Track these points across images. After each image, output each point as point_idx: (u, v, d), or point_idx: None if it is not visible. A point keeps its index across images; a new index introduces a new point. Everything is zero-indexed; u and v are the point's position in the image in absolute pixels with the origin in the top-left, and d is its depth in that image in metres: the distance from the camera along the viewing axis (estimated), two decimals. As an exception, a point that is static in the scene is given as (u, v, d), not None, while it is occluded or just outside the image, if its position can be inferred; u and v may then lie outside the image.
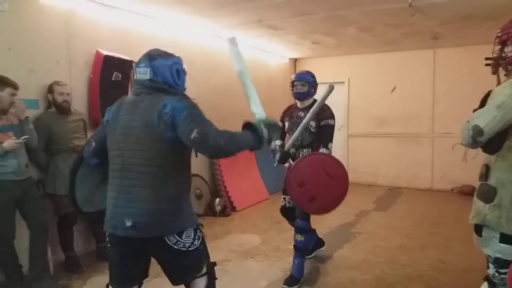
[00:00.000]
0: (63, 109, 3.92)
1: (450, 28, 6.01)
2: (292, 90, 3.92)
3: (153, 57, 2.08)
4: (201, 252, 2.18)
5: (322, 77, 8.72)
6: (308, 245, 3.93)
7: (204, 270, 2.23)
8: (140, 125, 1.96)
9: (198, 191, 6.10)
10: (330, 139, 3.81)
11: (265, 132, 2.05)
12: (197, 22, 5.56)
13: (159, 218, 1.98)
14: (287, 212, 4.05)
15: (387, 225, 5.56)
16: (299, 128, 3.60)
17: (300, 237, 3.70)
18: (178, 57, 2.17)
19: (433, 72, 7.80)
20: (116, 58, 4.55)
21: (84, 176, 2.30)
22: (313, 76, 3.94)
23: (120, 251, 2.10)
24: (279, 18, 5.44)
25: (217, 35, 6.43)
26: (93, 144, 2.19)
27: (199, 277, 2.20)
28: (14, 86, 3.40)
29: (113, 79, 4.51)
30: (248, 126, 2.06)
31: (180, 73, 2.12)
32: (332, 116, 3.81)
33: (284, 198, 4.07)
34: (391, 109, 8.19)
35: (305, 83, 3.85)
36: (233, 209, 6.38)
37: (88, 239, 4.41)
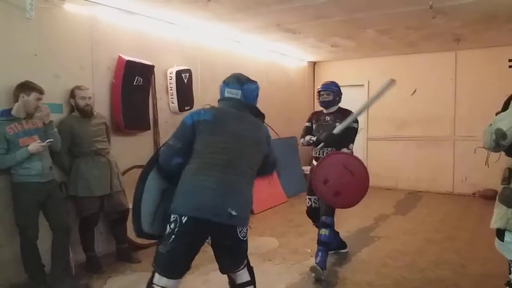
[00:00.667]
0: (85, 113, 4.01)
1: (472, 29, 5.92)
2: (319, 99, 4.32)
3: (243, 81, 2.57)
4: (247, 244, 2.53)
5: (341, 80, 8.66)
6: (332, 240, 4.08)
7: (246, 261, 2.57)
8: (252, 137, 2.47)
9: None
10: (352, 140, 4.13)
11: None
12: (217, 27, 5.63)
13: (248, 210, 2.44)
14: (313, 213, 4.28)
15: (407, 229, 5.50)
16: (343, 124, 3.97)
17: (324, 231, 3.92)
18: (257, 83, 2.65)
19: (454, 75, 7.68)
20: (138, 63, 4.64)
21: (151, 183, 2.54)
22: (337, 86, 4.34)
23: (191, 239, 2.32)
24: (298, 22, 5.45)
25: (236, 40, 6.49)
26: (179, 144, 2.45)
27: (242, 268, 2.54)
28: (40, 91, 3.51)
29: (134, 83, 4.60)
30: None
31: (257, 97, 2.65)
32: (356, 120, 4.09)
33: (310, 199, 4.29)
34: (411, 112, 8.10)
35: (330, 93, 4.25)
36: (251, 212, 6.39)
37: (109, 240, 4.49)
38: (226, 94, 2.54)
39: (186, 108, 5.36)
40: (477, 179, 7.31)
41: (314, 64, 9.22)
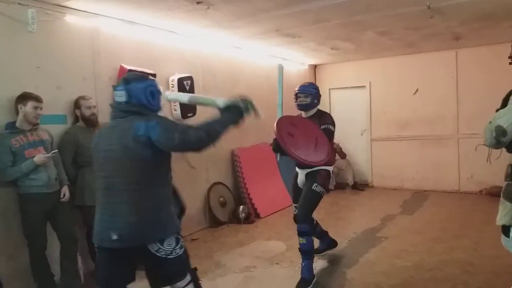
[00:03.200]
0: (91, 122, 4.04)
1: (470, 28, 5.93)
2: (296, 101, 4.11)
3: (129, 80, 2.25)
4: (184, 260, 2.36)
5: (342, 82, 8.85)
6: (311, 247, 3.87)
7: (189, 278, 2.38)
8: (119, 149, 2.16)
9: (221, 199, 6.16)
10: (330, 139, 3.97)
11: (241, 103, 2.30)
12: (217, 34, 5.66)
13: (140, 229, 2.17)
14: None
15: (414, 229, 5.48)
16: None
17: (302, 240, 3.79)
18: (153, 80, 2.35)
19: (455, 73, 7.69)
20: (140, 72, 4.67)
21: None
22: (316, 88, 4.12)
23: (107, 258, 2.29)
24: (297, 26, 5.48)
25: (237, 46, 6.52)
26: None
27: (185, 286, 2.36)
28: (36, 99, 3.53)
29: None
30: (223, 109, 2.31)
31: (154, 94, 2.27)
32: (333, 123, 4.01)
33: (296, 207, 4.13)
34: (414, 111, 8.10)
35: (308, 95, 4.01)
36: (257, 216, 6.41)
37: (117, 249, 4.50)
38: (115, 99, 2.26)
39: (189, 115, 5.39)
40: (483, 177, 7.28)
41: (315, 67, 9.25)
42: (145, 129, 2.11)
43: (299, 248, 3.87)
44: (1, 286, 3.35)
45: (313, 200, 3.85)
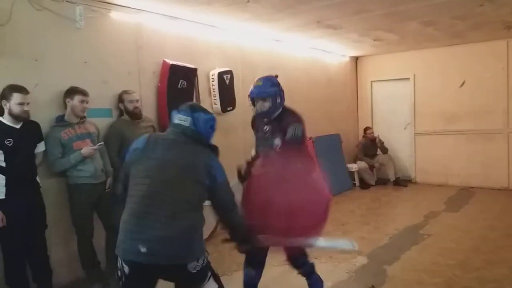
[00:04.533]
0: (135, 115, 4.16)
1: (524, 16, 5.61)
2: (253, 109, 3.10)
3: (195, 109, 2.37)
4: (208, 266, 2.30)
5: (385, 74, 8.64)
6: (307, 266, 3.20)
7: (209, 274, 2.32)
8: (182, 163, 2.19)
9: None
10: (300, 152, 3.01)
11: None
12: (257, 27, 5.66)
13: (174, 247, 2.06)
14: None
15: (459, 226, 5.29)
16: None
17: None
18: (214, 116, 2.43)
19: (507, 64, 7.30)
20: (182, 67, 4.76)
21: None
22: (274, 83, 3.04)
23: (128, 274, 2.17)
24: (338, 17, 5.39)
25: (276, 39, 6.50)
26: (120, 185, 2.32)
27: (207, 281, 2.30)
28: (83, 93, 3.67)
29: (179, 86, 4.73)
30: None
31: (213, 130, 2.39)
32: (299, 122, 3.02)
33: None
34: (460, 105, 7.77)
35: (266, 98, 2.97)
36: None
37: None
38: (175, 121, 2.33)
39: (229, 108, 5.45)
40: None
41: (356, 59, 9.07)
42: (217, 166, 2.26)
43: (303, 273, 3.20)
44: (51, 271, 3.53)
45: None
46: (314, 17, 5.28)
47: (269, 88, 2.99)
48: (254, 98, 3.04)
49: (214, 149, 2.34)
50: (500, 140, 7.44)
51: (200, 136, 2.30)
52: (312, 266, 3.16)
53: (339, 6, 4.79)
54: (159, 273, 2.17)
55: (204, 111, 2.39)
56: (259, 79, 3.07)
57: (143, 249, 2.01)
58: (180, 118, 2.31)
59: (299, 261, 3.10)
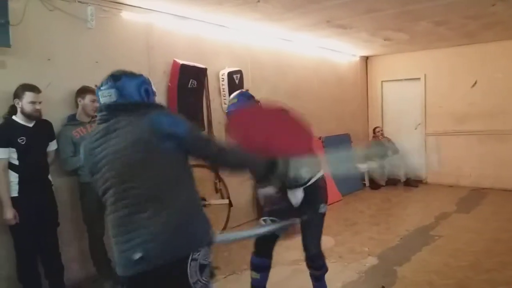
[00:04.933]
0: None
1: (537, 15, 5.54)
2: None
3: (117, 77, 1.84)
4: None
5: (396, 74, 8.58)
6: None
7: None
8: (126, 146, 1.73)
9: (270, 192, 6.16)
10: None
11: (284, 169, 2.04)
12: (267, 27, 5.66)
13: (170, 241, 1.72)
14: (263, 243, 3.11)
15: (470, 228, 5.24)
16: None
17: (255, 275, 3.08)
18: (144, 76, 1.93)
19: (520, 64, 7.21)
20: (192, 67, 4.79)
21: None
22: (248, 97, 2.98)
23: None
24: (349, 17, 5.36)
25: (286, 38, 6.49)
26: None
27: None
28: (94, 92, 3.69)
29: (189, 86, 4.76)
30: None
31: (149, 93, 1.90)
32: None
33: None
34: (472, 105, 7.69)
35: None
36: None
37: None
38: (100, 99, 1.85)
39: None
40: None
41: (366, 58, 9.02)
42: (168, 121, 1.77)
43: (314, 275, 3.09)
44: (63, 268, 3.56)
45: (321, 225, 3.05)
46: (324, 16, 5.27)
47: (245, 103, 2.93)
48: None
49: (158, 107, 1.90)
50: (512, 141, 7.35)
51: (129, 104, 1.81)
52: (326, 270, 3.08)
53: (349, 5, 4.77)
54: (159, 282, 1.76)
55: (129, 74, 1.88)
56: (234, 96, 3.00)
57: (137, 255, 1.69)
58: (102, 95, 1.82)
59: (319, 262, 3.02)
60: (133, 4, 4.32)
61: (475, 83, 7.64)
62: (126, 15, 4.33)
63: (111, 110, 1.81)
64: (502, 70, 7.33)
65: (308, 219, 2.94)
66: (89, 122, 3.71)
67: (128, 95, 1.82)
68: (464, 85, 7.74)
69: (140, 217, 1.71)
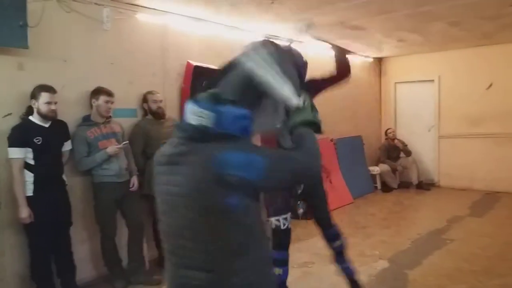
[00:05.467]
0: (158, 115, 4.23)
1: (555, 16, 5.45)
2: None
3: (220, 100, 1.45)
4: None
5: (410, 76, 8.54)
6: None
7: None
8: (187, 190, 1.39)
9: (282, 193, 6.17)
10: None
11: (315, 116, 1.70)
12: (280, 28, 5.67)
13: None
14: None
15: (484, 232, 5.18)
16: None
17: (278, 271, 3.10)
18: (249, 112, 1.50)
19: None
20: (205, 68, 4.80)
21: None
22: None
23: None
24: (363, 18, 5.34)
25: (300, 40, 6.48)
26: None
27: None
28: (108, 93, 3.75)
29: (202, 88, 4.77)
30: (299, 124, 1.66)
31: (247, 131, 1.48)
32: None
33: (284, 220, 3.15)
34: (487, 107, 7.59)
35: None
36: None
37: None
38: (187, 116, 1.46)
39: (251, 109, 5.47)
40: None
41: (380, 60, 8.97)
42: (237, 162, 1.36)
43: (336, 250, 3.35)
44: (75, 268, 3.62)
45: (325, 196, 3.32)
46: (338, 17, 5.25)
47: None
48: None
49: (231, 137, 1.43)
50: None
51: (223, 137, 1.43)
52: (344, 245, 3.33)
53: (364, 6, 4.75)
54: None
55: (234, 103, 1.48)
56: None
57: None
58: (194, 112, 1.43)
59: (332, 232, 3.30)
60: (148, 6, 4.37)
61: (491, 85, 7.55)
62: (141, 17, 4.38)
63: (195, 134, 1.43)
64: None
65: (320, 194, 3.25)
66: (103, 123, 3.76)
67: (226, 125, 1.43)
68: (479, 87, 7.65)
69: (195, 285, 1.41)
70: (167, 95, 4.59)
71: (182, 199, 1.39)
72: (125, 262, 3.93)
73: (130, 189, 3.88)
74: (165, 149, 1.53)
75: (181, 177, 1.40)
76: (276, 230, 3.14)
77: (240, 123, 1.46)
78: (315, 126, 1.67)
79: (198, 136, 1.43)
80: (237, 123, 1.45)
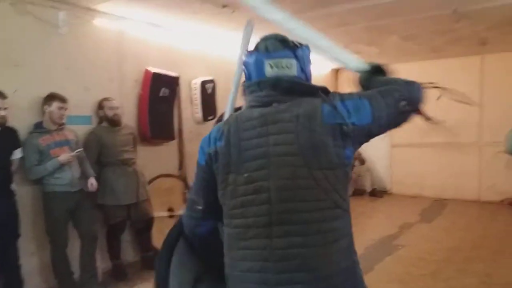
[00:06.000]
0: (114, 122, 4.15)
1: (498, 32, 5.79)
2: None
3: (293, 43, 1.42)
4: None
5: None
6: None
7: None
8: (297, 148, 1.28)
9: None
10: None
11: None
12: (241, 37, 5.68)
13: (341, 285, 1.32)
14: None
15: (432, 237, 5.43)
16: None
17: None
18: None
19: (480, 79, 7.54)
20: (164, 75, 4.77)
21: (181, 264, 1.54)
22: None
23: None
24: (321, 30, 5.37)
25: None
26: (201, 202, 1.46)
27: None
28: (61, 99, 3.63)
29: (160, 95, 4.74)
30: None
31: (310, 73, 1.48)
32: None
33: None
34: (436, 117, 7.96)
35: None
36: None
37: (135, 249, 4.59)
38: (268, 70, 1.36)
39: (210, 118, 5.47)
40: (505, 186, 7.15)
41: (337, 71, 9.21)
42: (344, 110, 1.31)
43: None
44: (22, 282, 3.44)
45: None
46: (296, 28, 5.35)
47: None
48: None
49: (321, 89, 1.39)
50: (473, 152, 7.66)
51: (308, 88, 1.39)
52: None
53: (323, 18, 4.85)
54: None
55: (297, 42, 1.48)
56: None
57: None
58: (275, 64, 1.35)
59: None
60: (106, 11, 4.27)
61: (440, 96, 7.92)
62: (98, 22, 4.28)
63: (284, 89, 1.33)
64: (464, 85, 7.59)
65: None
66: (56, 130, 3.64)
67: (308, 71, 1.40)
68: (429, 98, 7.98)
69: (304, 254, 1.26)
70: (124, 102, 4.50)
71: (292, 157, 1.27)
72: (77, 274, 3.80)
73: (89, 189, 3.78)
74: (247, 113, 1.37)
75: (286, 135, 1.28)
76: None
77: (310, 61, 1.45)
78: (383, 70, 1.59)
79: (289, 88, 1.33)
80: (309, 64, 1.44)
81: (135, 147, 4.36)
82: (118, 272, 4.19)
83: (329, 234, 1.30)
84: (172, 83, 4.90)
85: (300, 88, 1.33)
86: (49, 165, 3.51)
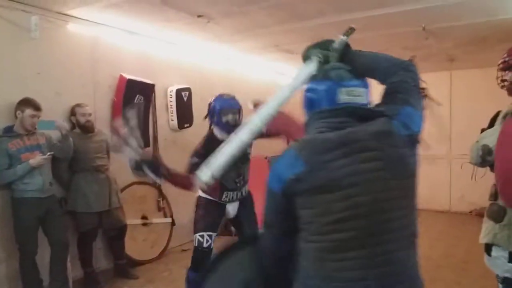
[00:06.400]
0: (86, 129, 4.10)
1: (464, 50, 6.04)
2: (220, 120, 3.17)
3: (352, 73, 1.53)
4: None
5: None
6: None
7: None
8: (384, 163, 1.37)
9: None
10: None
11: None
12: (217, 47, 5.75)
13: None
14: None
15: (404, 246, 5.51)
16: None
17: None
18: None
19: (449, 94, 7.80)
20: (139, 82, 4.75)
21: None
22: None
23: None
24: (295, 43, 5.54)
25: (235, 59, 6.61)
26: (279, 229, 1.50)
27: None
28: (35, 107, 3.55)
29: (135, 102, 4.70)
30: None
31: None
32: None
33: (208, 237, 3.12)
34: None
35: (236, 111, 3.21)
36: None
37: (107, 256, 4.52)
38: (342, 98, 1.45)
39: (185, 125, 5.46)
40: (473, 197, 7.33)
41: (311, 83, 9.33)
42: (406, 121, 1.46)
43: None
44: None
45: None
46: (272, 40, 5.43)
47: (238, 104, 3.25)
48: (225, 109, 3.17)
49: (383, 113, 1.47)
50: (443, 164, 7.87)
51: (378, 112, 1.48)
52: None
53: (296, 31, 4.96)
54: None
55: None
56: (227, 94, 3.32)
57: None
58: (350, 93, 1.46)
59: None
60: (80, 16, 4.24)
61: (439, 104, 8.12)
62: (72, 27, 4.24)
63: (359, 116, 1.43)
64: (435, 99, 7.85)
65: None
66: (27, 134, 3.57)
67: (370, 99, 1.53)
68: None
69: (399, 257, 1.38)
70: (97, 108, 4.45)
71: (381, 172, 1.36)
72: (46, 282, 3.69)
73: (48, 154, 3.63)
74: (321, 137, 1.41)
75: (370, 152, 1.36)
76: (198, 247, 3.05)
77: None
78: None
79: (363, 115, 1.44)
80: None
81: (108, 154, 4.30)
82: (90, 280, 4.11)
83: (413, 237, 1.45)
84: (147, 90, 4.88)
85: (372, 114, 1.45)
86: (19, 168, 3.44)
